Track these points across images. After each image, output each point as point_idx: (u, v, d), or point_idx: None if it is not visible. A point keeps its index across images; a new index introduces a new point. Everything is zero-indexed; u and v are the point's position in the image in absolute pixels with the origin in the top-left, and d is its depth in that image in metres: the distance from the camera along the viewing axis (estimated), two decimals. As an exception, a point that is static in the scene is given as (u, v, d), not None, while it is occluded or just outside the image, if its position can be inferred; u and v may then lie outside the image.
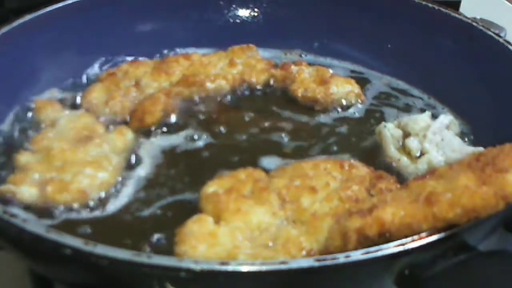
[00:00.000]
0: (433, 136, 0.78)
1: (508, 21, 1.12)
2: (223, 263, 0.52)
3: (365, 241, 0.56)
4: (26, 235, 0.55)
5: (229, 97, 0.92)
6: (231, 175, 0.72)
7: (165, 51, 0.98)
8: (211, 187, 0.71)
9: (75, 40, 0.93)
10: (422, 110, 0.88)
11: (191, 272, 0.51)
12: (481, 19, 1.08)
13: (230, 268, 0.52)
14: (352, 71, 0.99)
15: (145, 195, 0.74)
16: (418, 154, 0.77)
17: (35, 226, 0.56)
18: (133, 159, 0.79)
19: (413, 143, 0.78)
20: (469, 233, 0.56)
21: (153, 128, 0.84)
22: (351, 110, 0.90)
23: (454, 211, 0.54)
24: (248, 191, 0.69)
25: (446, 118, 0.82)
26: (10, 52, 0.85)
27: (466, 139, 0.82)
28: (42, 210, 0.70)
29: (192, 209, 0.70)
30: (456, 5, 1.20)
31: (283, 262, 0.53)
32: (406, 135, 0.80)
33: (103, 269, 0.54)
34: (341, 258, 0.53)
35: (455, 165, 0.63)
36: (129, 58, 0.97)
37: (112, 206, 0.72)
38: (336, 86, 0.90)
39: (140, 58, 0.97)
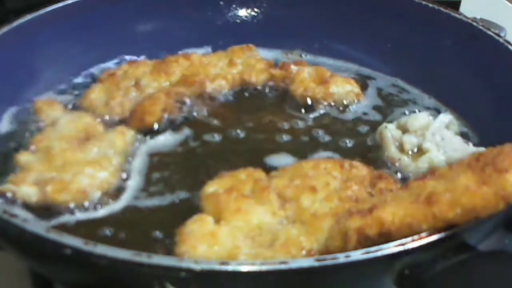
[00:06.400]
0: (433, 136, 0.78)
1: (508, 21, 1.12)
2: (223, 263, 0.53)
3: (365, 241, 0.56)
4: (26, 235, 0.55)
5: (228, 97, 0.92)
6: (231, 175, 0.72)
7: (165, 51, 0.98)
8: (211, 187, 0.71)
9: (75, 40, 0.93)
10: (422, 110, 0.88)
11: (191, 272, 0.52)
12: (481, 19, 1.08)
13: (230, 268, 0.52)
14: (352, 71, 0.99)
15: (145, 195, 0.74)
16: (415, 150, 0.77)
17: (35, 226, 0.56)
18: (133, 158, 0.79)
19: (407, 138, 0.78)
20: (469, 233, 0.56)
21: (153, 128, 0.84)
22: (350, 110, 0.90)
23: (454, 211, 0.54)
24: (248, 190, 0.69)
25: (445, 117, 0.82)
26: (10, 52, 0.85)
27: (467, 139, 0.82)
28: (42, 210, 0.70)
29: (192, 209, 0.70)
30: (456, 5, 1.20)
31: (283, 262, 0.53)
32: (405, 132, 0.80)
33: (103, 269, 0.54)
34: (341, 258, 0.53)
35: (455, 165, 0.63)
36: (129, 58, 0.97)
37: (112, 206, 0.72)
38: (335, 86, 0.90)
39: (140, 58, 0.97)
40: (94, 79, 0.93)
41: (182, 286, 0.54)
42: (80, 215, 0.70)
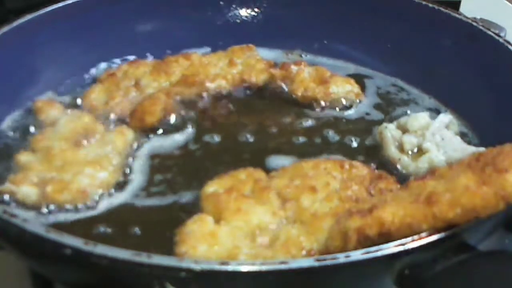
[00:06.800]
0: (433, 136, 0.78)
1: (508, 21, 1.12)
2: (223, 263, 0.53)
3: (365, 241, 0.56)
4: (26, 235, 0.55)
5: (228, 97, 0.92)
6: (231, 175, 0.72)
7: (165, 51, 0.98)
8: (211, 187, 0.71)
9: (75, 40, 0.93)
10: (422, 110, 0.88)
11: (191, 272, 0.52)
12: (481, 19, 1.08)
13: (230, 268, 0.52)
14: (352, 71, 0.99)
15: (145, 195, 0.74)
16: (415, 150, 0.78)
17: (35, 226, 0.56)
18: (133, 159, 0.79)
19: (407, 138, 0.78)
20: (469, 233, 0.56)
21: (153, 128, 0.84)
22: (350, 110, 0.90)
23: (454, 211, 0.54)
24: (248, 190, 0.69)
25: (445, 117, 0.82)
26: (10, 52, 0.85)
27: (467, 139, 0.82)
28: (42, 210, 0.70)
29: (192, 209, 0.70)
30: (456, 5, 1.20)
31: (283, 262, 0.53)
32: (405, 132, 0.80)
33: (103, 269, 0.54)
34: (341, 258, 0.53)
35: (455, 165, 0.63)
36: (129, 58, 0.97)
37: (112, 206, 0.72)
38: (335, 85, 0.90)
39: (140, 58, 0.97)
40: (94, 79, 0.93)
41: (182, 286, 0.54)
42: (79, 215, 0.70)
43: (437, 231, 0.55)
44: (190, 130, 0.85)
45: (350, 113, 0.89)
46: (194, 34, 1.02)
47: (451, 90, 0.91)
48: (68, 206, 0.70)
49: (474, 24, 0.91)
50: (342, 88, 0.91)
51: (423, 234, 0.55)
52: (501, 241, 0.65)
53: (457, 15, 0.94)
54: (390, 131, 0.80)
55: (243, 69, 0.94)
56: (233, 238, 0.63)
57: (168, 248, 0.64)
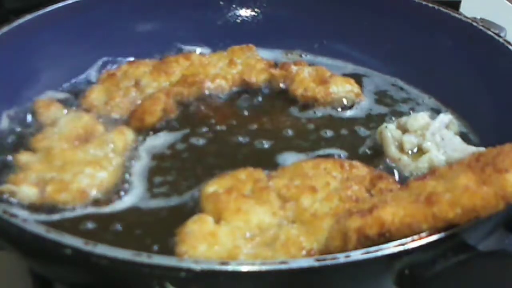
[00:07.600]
0: (433, 136, 0.78)
1: (508, 21, 1.12)
2: (223, 263, 0.53)
3: (365, 241, 0.56)
4: (26, 235, 0.55)
5: (228, 97, 0.92)
6: (231, 175, 0.72)
7: (165, 51, 0.98)
8: (212, 187, 0.71)
9: (75, 40, 0.93)
10: (422, 110, 0.88)
11: (191, 272, 0.52)
12: (481, 19, 1.08)
13: (230, 268, 0.52)
14: (352, 71, 0.99)
15: (145, 195, 0.74)
16: (415, 150, 0.78)
17: (35, 226, 0.56)
18: (133, 159, 0.79)
19: (407, 138, 0.78)
20: (469, 233, 0.56)
21: (153, 128, 0.84)
22: (350, 110, 0.90)
23: (454, 211, 0.54)
24: (248, 190, 0.69)
25: (445, 117, 0.82)
26: (10, 52, 0.85)
27: (467, 139, 0.82)
28: (42, 210, 0.70)
29: (192, 209, 0.70)
30: (456, 5, 1.20)
31: (283, 262, 0.53)
32: (405, 132, 0.80)
33: (103, 269, 0.54)
34: (341, 258, 0.53)
35: (455, 165, 0.63)
36: (129, 58, 0.97)
37: (112, 206, 0.72)
38: (335, 85, 0.90)
39: (140, 58, 0.97)
40: (94, 80, 0.93)
41: (182, 286, 0.54)
42: (79, 215, 0.70)
43: (437, 231, 0.55)
44: (189, 130, 0.84)
45: (349, 113, 0.89)
46: (194, 34, 1.02)
47: (451, 90, 0.91)
48: (68, 206, 0.70)
49: (474, 24, 0.91)
50: (342, 88, 0.91)
51: (423, 234, 0.55)
52: (501, 241, 0.65)
53: (457, 15, 0.94)
54: (390, 131, 0.80)
55: (243, 69, 0.94)
56: (233, 238, 0.63)
57: (168, 248, 0.64)
